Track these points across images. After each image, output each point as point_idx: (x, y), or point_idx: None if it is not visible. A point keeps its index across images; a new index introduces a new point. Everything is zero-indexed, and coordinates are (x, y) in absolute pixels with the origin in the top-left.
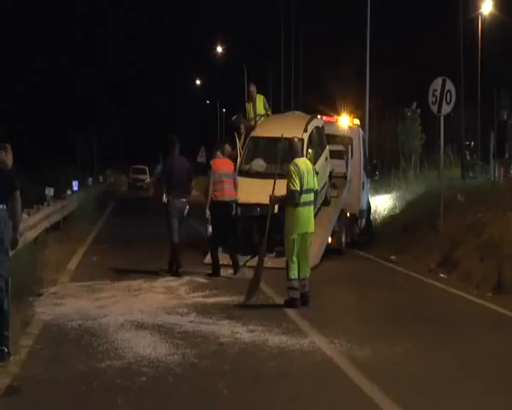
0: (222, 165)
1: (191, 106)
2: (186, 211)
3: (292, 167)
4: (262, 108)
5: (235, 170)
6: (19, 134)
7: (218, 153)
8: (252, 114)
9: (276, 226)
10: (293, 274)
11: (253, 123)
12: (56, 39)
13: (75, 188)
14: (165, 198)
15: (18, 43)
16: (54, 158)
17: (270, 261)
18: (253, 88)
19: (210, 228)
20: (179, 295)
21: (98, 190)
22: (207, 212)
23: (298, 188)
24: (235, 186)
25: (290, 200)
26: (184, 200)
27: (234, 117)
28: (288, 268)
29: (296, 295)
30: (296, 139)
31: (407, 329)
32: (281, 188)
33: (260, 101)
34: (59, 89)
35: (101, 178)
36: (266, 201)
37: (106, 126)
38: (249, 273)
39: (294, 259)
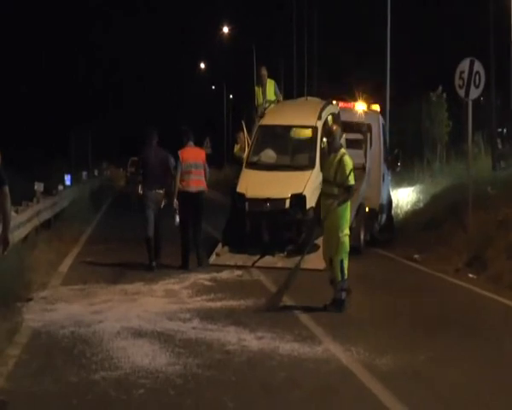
0: (189, 155)
1: (195, 92)
2: (163, 203)
3: (347, 159)
4: (273, 94)
5: (206, 159)
6: (8, 127)
7: (190, 142)
8: (261, 100)
9: (287, 223)
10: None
11: (262, 109)
12: (47, 29)
13: (68, 183)
14: (140, 190)
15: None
16: (46, 152)
17: (280, 261)
18: (264, 71)
19: (177, 218)
20: (181, 299)
21: (93, 184)
22: (175, 202)
23: (354, 183)
24: (206, 176)
25: (350, 196)
26: (161, 191)
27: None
28: (342, 267)
29: (345, 296)
30: (336, 127)
31: (431, 335)
32: (294, 182)
33: (271, 85)
34: (52, 78)
35: (96, 172)
36: (277, 195)
37: (102, 117)
38: (257, 275)
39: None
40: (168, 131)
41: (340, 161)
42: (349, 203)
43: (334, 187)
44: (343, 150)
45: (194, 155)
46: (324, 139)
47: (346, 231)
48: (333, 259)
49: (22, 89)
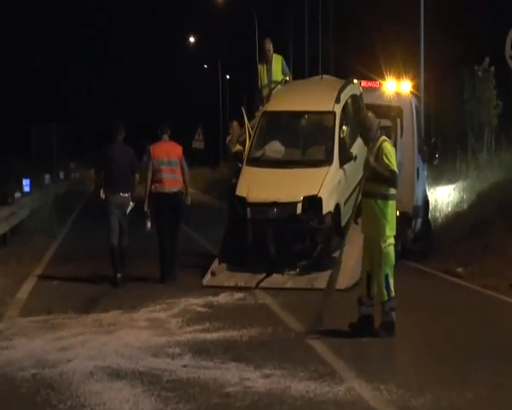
0: (162, 151)
1: (183, 72)
2: (130, 208)
3: (388, 145)
4: (280, 72)
5: (182, 155)
6: None
7: (165, 136)
8: (266, 80)
9: (298, 233)
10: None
11: (267, 92)
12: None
13: (27, 189)
14: (102, 194)
15: None
16: (0, 151)
17: (290, 281)
18: (268, 45)
19: (149, 224)
20: (169, 329)
21: (58, 190)
22: (146, 205)
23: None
24: (184, 175)
25: (394, 185)
26: (126, 195)
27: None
28: (388, 284)
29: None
30: (370, 115)
31: (480, 367)
32: (307, 181)
33: (278, 62)
34: (5, 63)
35: (62, 175)
36: (286, 198)
37: (71, 107)
38: (263, 297)
39: None
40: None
41: (380, 147)
42: (394, 203)
43: (376, 183)
44: (383, 137)
45: (167, 151)
46: (344, 127)
47: (391, 240)
48: (375, 275)
49: None
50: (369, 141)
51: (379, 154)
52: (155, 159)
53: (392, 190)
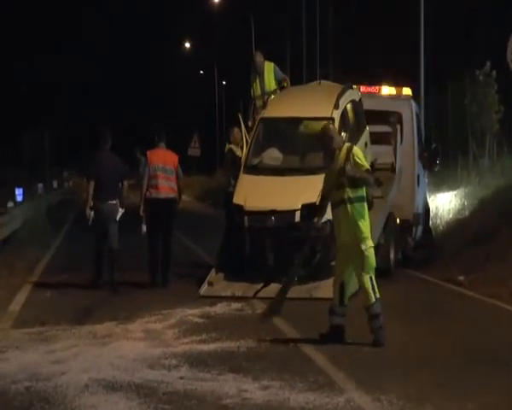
0: (159, 158)
1: (179, 78)
2: (120, 214)
3: (357, 149)
4: (273, 81)
5: (178, 165)
6: None
7: (162, 143)
8: (259, 91)
9: (297, 242)
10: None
11: (260, 103)
12: None
13: (19, 198)
14: (91, 203)
15: None
16: None
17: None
18: (259, 58)
19: (144, 228)
20: (165, 341)
21: (51, 199)
22: (141, 209)
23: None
24: (178, 184)
25: (372, 182)
26: (114, 202)
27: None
28: (373, 285)
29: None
30: (331, 126)
31: (482, 376)
32: (305, 189)
33: (270, 71)
34: None
35: (55, 184)
36: (284, 206)
37: (64, 113)
38: (261, 307)
39: None
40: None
41: (349, 153)
42: (365, 205)
43: (354, 189)
44: (347, 143)
45: (163, 158)
46: (343, 134)
47: (370, 242)
48: (359, 280)
49: None
50: (332, 152)
51: (351, 159)
52: (151, 165)
53: (368, 191)
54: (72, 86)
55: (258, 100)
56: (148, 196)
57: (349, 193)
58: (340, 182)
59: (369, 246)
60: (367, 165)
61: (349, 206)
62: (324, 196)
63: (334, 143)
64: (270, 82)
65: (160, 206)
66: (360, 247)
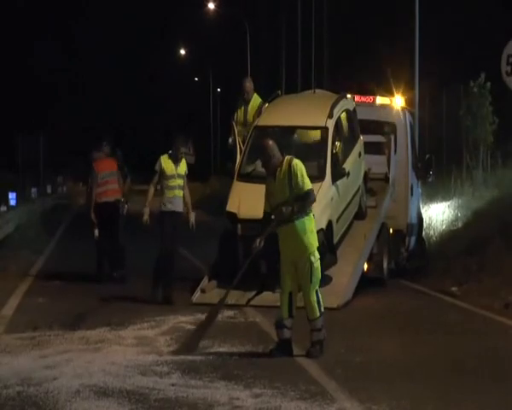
0: (104, 165)
1: (173, 85)
2: (125, 209)
3: (297, 162)
4: (254, 115)
5: (118, 168)
6: None
7: (100, 153)
8: (242, 118)
9: None
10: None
11: (240, 129)
12: None
13: (13, 202)
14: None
15: None
16: None
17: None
18: (248, 84)
19: (96, 232)
20: (157, 348)
21: (45, 204)
22: (92, 215)
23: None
24: (119, 184)
25: (310, 203)
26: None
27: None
28: (319, 299)
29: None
30: (271, 142)
31: (474, 387)
32: None
33: (255, 105)
34: None
35: (49, 189)
36: None
37: (59, 118)
38: (253, 315)
39: None
40: (142, 134)
41: (290, 167)
42: (312, 217)
43: (298, 205)
44: (288, 157)
45: (108, 165)
46: (337, 143)
47: (317, 254)
48: (304, 292)
49: None
50: (272, 168)
51: (291, 175)
52: (100, 173)
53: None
54: (66, 91)
55: (239, 125)
56: (98, 200)
57: (294, 209)
58: (284, 198)
59: (317, 258)
60: (308, 182)
61: (296, 222)
62: (266, 211)
63: (273, 160)
64: (251, 112)
65: (109, 208)
66: (310, 259)
